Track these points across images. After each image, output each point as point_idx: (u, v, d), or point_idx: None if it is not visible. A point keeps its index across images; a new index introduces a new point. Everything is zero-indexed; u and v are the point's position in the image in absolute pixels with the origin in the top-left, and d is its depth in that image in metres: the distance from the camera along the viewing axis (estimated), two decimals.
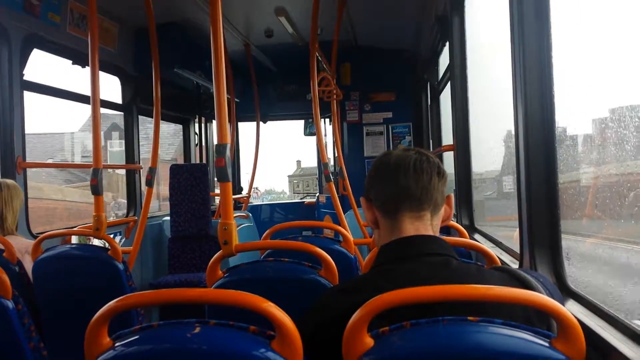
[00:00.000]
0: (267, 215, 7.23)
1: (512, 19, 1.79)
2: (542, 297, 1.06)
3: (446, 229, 3.00)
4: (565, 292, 1.55)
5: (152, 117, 4.17)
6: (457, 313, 1.09)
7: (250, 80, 6.38)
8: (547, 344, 1.03)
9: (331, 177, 4.06)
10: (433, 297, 1.09)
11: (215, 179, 5.06)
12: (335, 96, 5.35)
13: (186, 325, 1.14)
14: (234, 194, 6.70)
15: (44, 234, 2.85)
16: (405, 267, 1.23)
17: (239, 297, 1.14)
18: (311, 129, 7.40)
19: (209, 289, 1.27)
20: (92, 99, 3.11)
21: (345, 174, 5.16)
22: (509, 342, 1.03)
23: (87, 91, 3.19)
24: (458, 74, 3.30)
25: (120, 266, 2.55)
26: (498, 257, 1.78)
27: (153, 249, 5.02)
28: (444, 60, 4.39)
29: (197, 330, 1.12)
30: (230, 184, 2.01)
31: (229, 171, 2.01)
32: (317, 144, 4.11)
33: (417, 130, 6.29)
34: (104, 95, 4.27)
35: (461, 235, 2.42)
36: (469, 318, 1.06)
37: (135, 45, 4.83)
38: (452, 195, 1.37)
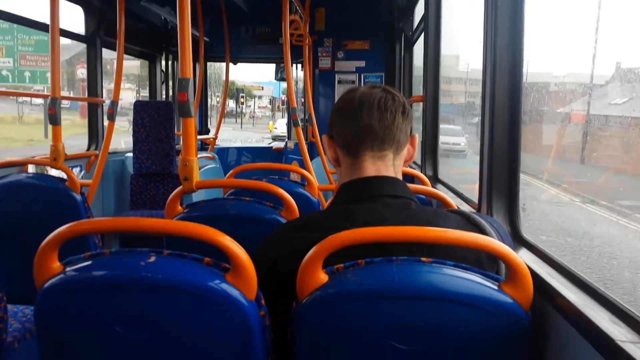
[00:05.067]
0: (234, 158, 7.16)
1: None
2: (494, 242, 1.09)
3: (410, 178, 3.03)
4: (519, 241, 1.59)
5: (116, 51, 4.01)
6: (413, 254, 1.11)
7: (221, 20, 6.18)
8: (495, 287, 1.06)
9: (299, 122, 4.02)
10: (389, 237, 1.10)
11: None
12: (306, 40, 5.24)
13: (140, 254, 1.12)
14: (200, 135, 6.60)
15: None
16: (363, 207, 1.23)
17: (194, 229, 1.13)
18: (282, 74, 7.27)
19: (164, 220, 1.25)
20: (51, 27, 2.98)
21: (315, 121, 5.12)
22: (459, 283, 1.05)
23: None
24: (432, 23, 3.26)
25: (78, 197, 2.50)
26: (458, 207, 1.81)
27: (115, 185, 4.94)
28: (419, 10, 4.32)
29: (152, 259, 1.11)
30: (192, 120, 1.96)
31: (192, 107, 1.96)
32: (286, 89, 4.05)
33: (389, 81, 6.24)
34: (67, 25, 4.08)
35: (424, 184, 2.44)
36: (422, 259, 1.08)
37: None
38: (417, 135, 1.36)
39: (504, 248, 1.07)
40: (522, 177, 1.63)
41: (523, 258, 1.24)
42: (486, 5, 1.76)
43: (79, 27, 4.69)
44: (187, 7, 1.94)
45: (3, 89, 15.80)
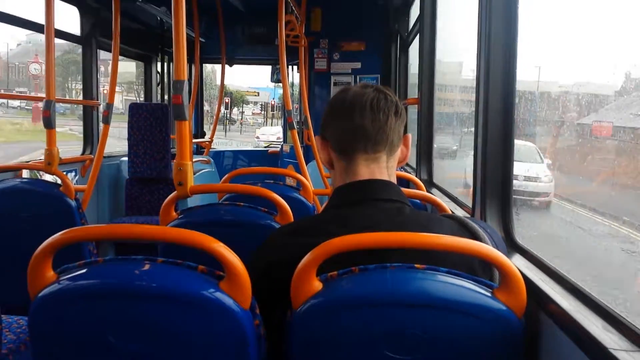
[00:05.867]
0: (230, 162, 7.16)
1: None
2: (487, 248, 1.09)
3: (405, 182, 3.04)
4: (513, 246, 1.59)
5: (111, 52, 4.01)
6: (408, 259, 1.11)
7: (217, 20, 6.17)
8: (489, 294, 1.06)
9: (294, 125, 4.02)
10: (382, 243, 1.10)
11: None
12: (301, 42, 5.24)
13: (134, 261, 1.12)
14: (196, 138, 6.59)
15: None
16: (358, 212, 1.23)
17: (188, 236, 1.13)
18: (278, 76, 7.26)
19: (158, 227, 1.24)
20: (46, 28, 2.98)
21: (310, 124, 5.12)
22: (452, 290, 1.06)
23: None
24: (427, 25, 3.26)
25: (72, 203, 2.49)
26: (452, 211, 1.81)
27: (110, 190, 4.92)
28: (415, 11, 4.32)
29: (146, 267, 1.11)
30: (187, 123, 1.96)
31: (186, 110, 1.95)
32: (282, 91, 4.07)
33: (385, 83, 6.24)
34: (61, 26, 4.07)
35: (419, 188, 2.45)
36: (416, 265, 1.08)
37: None
38: (410, 135, 1.36)
39: (497, 254, 1.07)
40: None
41: (517, 264, 1.24)
42: (480, 14, 1.77)
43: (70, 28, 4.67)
44: (182, 7, 1.94)
45: None
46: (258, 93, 39.97)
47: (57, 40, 4.23)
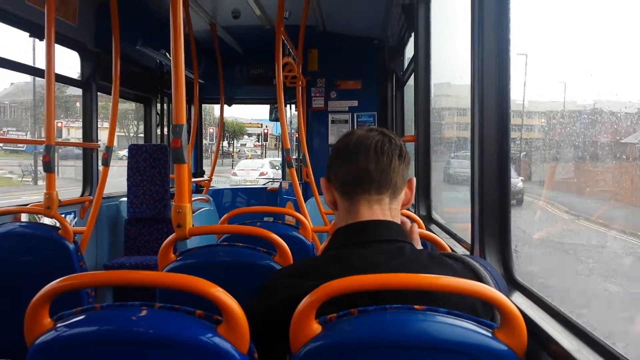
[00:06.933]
0: (229, 200, 7.16)
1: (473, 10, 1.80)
2: (486, 288, 1.08)
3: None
4: (512, 283, 1.58)
5: (111, 95, 4.07)
6: (407, 300, 1.10)
7: (215, 61, 6.28)
8: (489, 334, 1.05)
9: (293, 164, 4.04)
10: (381, 285, 1.10)
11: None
12: (299, 82, 5.32)
13: (131, 307, 1.11)
14: (195, 177, 6.61)
15: None
16: (357, 253, 1.23)
17: (186, 281, 1.13)
18: (277, 114, 7.34)
19: (155, 272, 1.24)
20: (47, 73, 3.02)
21: (308, 161, 5.15)
22: (452, 331, 1.05)
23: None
24: (422, 64, 3.32)
25: (71, 246, 2.49)
26: (451, 248, 1.81)
27: (109, 231, 4.91)
28: (410, 50, 4.40)
29: (143, 313, 1.10)
30: (186, 166, 1.97)
31: (185, 153, 1.97)
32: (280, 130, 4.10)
33: (382, 120, 6.32)
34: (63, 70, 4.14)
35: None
36: (415, 307, 1.07)
37: (97, 19, 4.68)
38: (414, 179, 1.37)
39: (496, 294, 1.07)
40: None
41: (517, 302, 1.23)
42: (472, 46, 1.80)
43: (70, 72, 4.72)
44: (181, 52, 1.98)
45: None
46: (261, 125, 39.44)
47: None
